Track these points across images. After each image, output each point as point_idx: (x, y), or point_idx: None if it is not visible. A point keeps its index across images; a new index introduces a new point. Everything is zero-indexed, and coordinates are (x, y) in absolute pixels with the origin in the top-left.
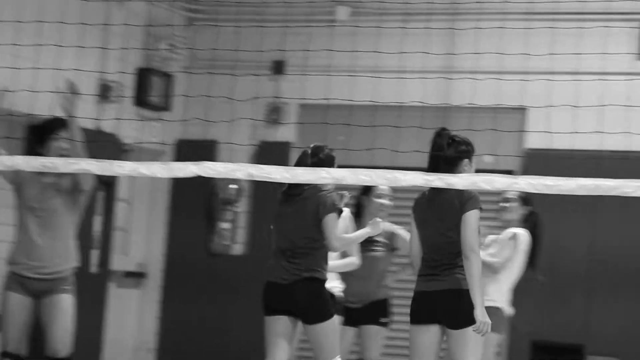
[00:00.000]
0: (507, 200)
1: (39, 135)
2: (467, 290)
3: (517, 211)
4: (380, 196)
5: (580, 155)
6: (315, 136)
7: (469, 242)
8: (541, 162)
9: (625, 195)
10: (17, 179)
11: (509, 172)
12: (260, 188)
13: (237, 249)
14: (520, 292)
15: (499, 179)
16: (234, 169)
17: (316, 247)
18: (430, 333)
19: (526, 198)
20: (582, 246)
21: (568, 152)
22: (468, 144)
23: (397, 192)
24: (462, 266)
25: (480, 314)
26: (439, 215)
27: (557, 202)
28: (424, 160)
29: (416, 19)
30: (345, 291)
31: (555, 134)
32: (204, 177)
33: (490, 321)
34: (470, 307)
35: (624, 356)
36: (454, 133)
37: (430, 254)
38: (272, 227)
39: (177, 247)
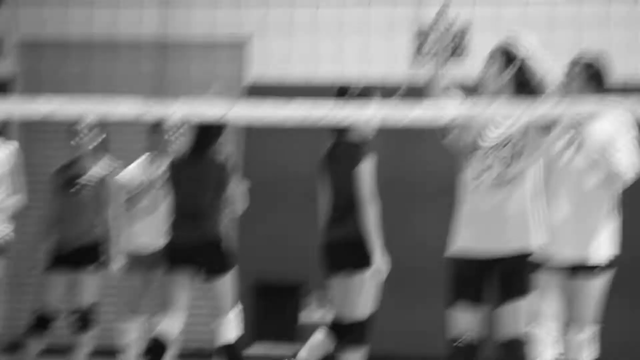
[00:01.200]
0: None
1: None
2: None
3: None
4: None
5: (298, 86)
6: (35, 71)
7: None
8: (262, 94)
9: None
10: None
11: None
12: None
13: None
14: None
15: (217, 107)
16: None
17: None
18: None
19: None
20: None
21: (286, 83)
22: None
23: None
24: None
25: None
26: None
27: None
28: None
29: None
30: (56, 236)
31: (274, 65)
32: None
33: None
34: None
35: None
36: None
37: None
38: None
39: None
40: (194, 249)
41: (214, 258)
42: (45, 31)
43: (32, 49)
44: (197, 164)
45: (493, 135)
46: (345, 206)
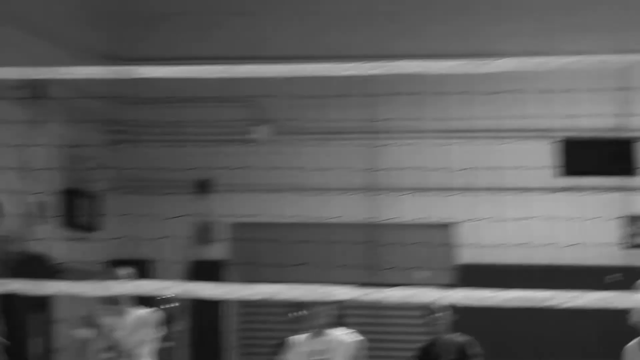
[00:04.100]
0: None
1: None
2: None
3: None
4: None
5: (509, 269)
6: (247, 253)
7: None
8: (473, 275)
9: (559, 306)
10: None
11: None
12: (196, 306)
13: None
14: None
15: (433, 292)
16: (166, 286)
17: None
18: None
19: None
20: None
21: (497, 265)
22: None
23: None
24: None
25: None
26: None
27: None
28: (354, 275)
29: (337, 137)
30: None
31: (484, 248)
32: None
33: None
34: None
35: None
36: None
37: None
38: None
39: None
40: None
41: None
42: (252, 213)
43: (242, 231)
44: None
45: None
46: None
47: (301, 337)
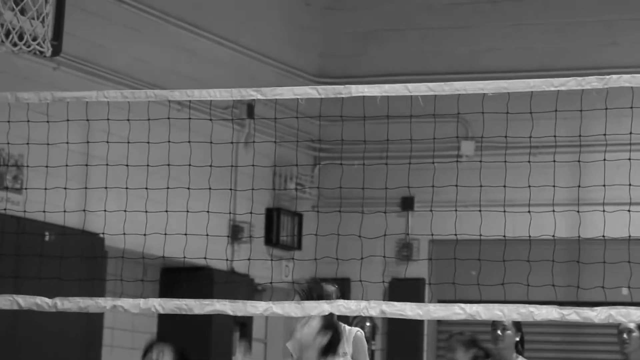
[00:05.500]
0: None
1: None
2: None
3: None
4: None
5: None
6: (447, 271)
7: None
8: None
9: None
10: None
11: None
12: (393, 325)
13: None
14: None
15: (636, 311)
16: (366, 307)
17: None
18: None
19: None
20: None
21: None
22: None
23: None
24: None
25: None
26: None
27: None
28: (556, 294)
29: (542, 152)
30: None
31: None
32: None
33: None
34: None
35: None
36: None
37: None
38: None
39: None
40: None
41: None
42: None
43: (443, 249)
44: None
45: None
46: None
47: None
